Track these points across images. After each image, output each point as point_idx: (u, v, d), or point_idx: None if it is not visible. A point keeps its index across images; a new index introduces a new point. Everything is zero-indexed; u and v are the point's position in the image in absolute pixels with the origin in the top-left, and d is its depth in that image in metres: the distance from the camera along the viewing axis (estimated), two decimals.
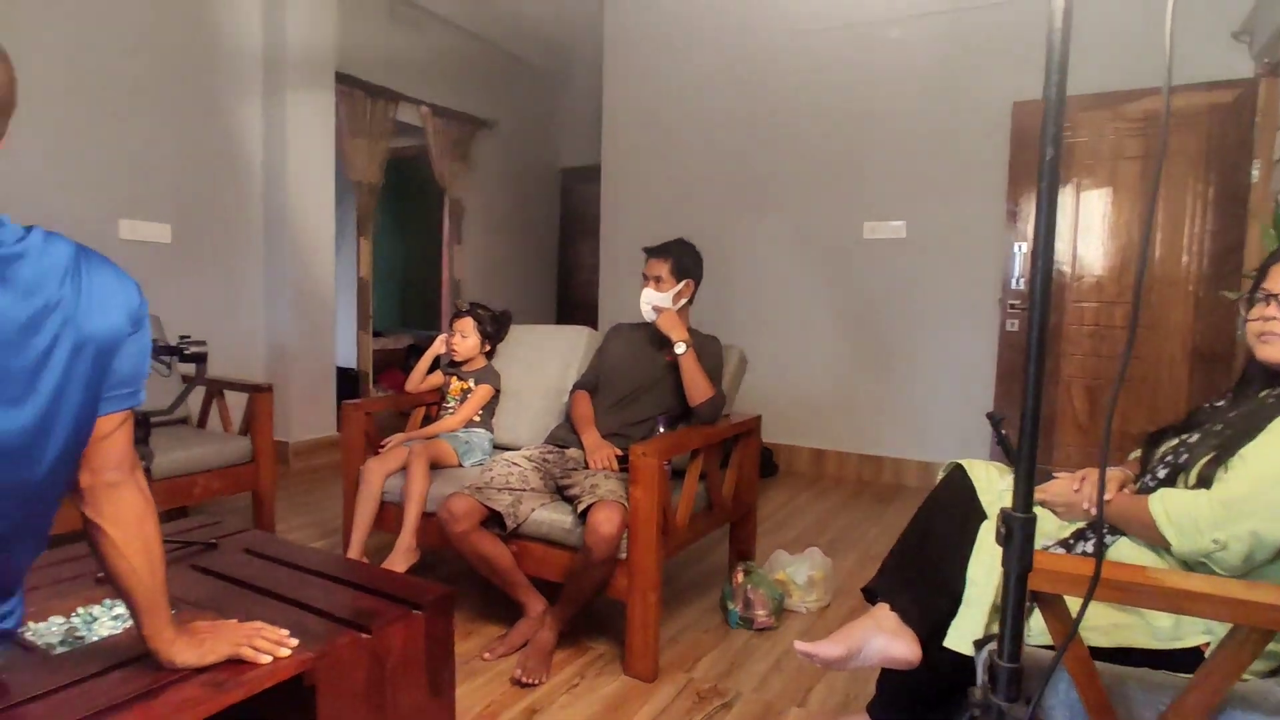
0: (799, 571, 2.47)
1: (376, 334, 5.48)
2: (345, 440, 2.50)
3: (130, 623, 1.30)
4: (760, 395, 3.87)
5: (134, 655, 1.12)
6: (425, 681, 1.39)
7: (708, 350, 2.35)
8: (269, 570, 1.54)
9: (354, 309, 5.13)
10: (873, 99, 4.05)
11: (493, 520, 2.07)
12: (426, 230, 7.53)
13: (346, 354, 5.45)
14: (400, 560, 2.19)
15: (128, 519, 1.03)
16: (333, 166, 4.27)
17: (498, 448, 2.69)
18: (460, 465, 2.48)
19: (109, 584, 1.08)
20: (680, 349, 2.24)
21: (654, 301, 2.32)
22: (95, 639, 1.24)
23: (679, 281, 2.34)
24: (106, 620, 1.31)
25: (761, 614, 2.33)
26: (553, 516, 2.07)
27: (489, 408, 2.67)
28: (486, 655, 2.05)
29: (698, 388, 2.23)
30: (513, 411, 2.71)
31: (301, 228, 4.08)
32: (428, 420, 2.75)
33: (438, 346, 2.72)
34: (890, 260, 4.06)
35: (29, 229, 0.90)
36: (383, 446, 2.52)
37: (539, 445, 2.37)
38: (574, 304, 6.64)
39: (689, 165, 4.60)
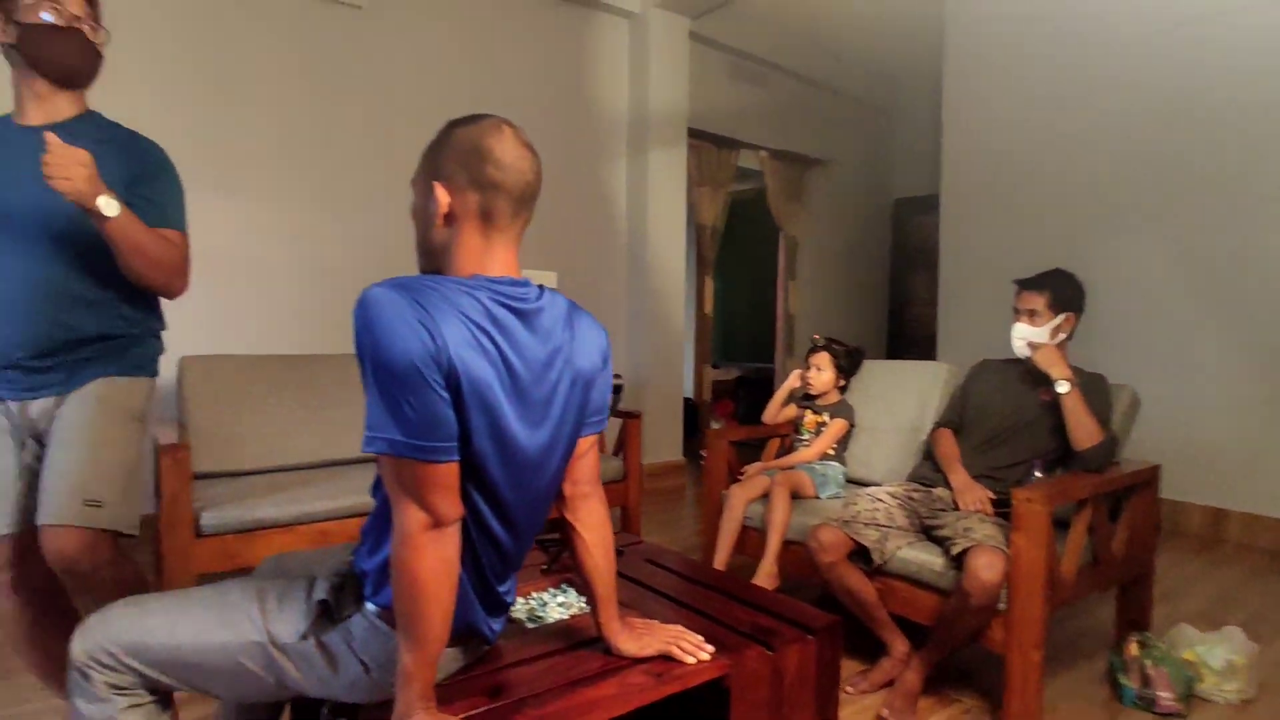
0: (1214, 654, 2.09)
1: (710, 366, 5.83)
2: (709, 465, 2.70)
3: (572, 610, 1.55)
4: (1138, 443, 3.36)
5: (586, 639, 1.34)
6: (814, 704, 1.45)
7: (1094, 389, 2.12)
8: (671, 579, 1.72)
9: (692, 343, 5.53)
10: (1241, 95, 3.36)
11: (858, 554, 2.08)
12: (756, 267, 7.87)
13: (685, 385, 5.88)
14: (762, 584, 2.30)
15: (596, 523, 1.25)
16: (684, 213, 4.68)
17: (851, 481, 2.70)
18: (817, 497, 2.54)
19: (574, 575, 1.32)
20: (1063, 387, 2.05)
21: (1029, 337, 2.17)
22: (550, 620, 1.51)
23: (1056, 315, 2.16)
24: (554, 606, 1.58)
25: (1166, 697, 2.01)
26: (921, 556, 2.02)
27: (843, 441, 2.69)
28: (849, 689, 2.05)
29: (1085, 430, 2.03)
30: (867, 446, 2.70)
31: (657, 270, 4.53)
32: (783, 451, 2.85)
33: (793, 381, 2.82)
34: None
35: (540, 288, 1.15)
36: (742, 473, 2.68)
37: (901, 482, 2.33)
38: (906, 337, 6.40)
39: (1035, 189, 4.20)
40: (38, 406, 1.51)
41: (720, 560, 2.49)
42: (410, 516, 0.96)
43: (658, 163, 4.51)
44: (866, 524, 2.09)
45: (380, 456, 0.97)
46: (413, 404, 0.94)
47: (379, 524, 1.10)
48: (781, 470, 2.56)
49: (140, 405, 1.60)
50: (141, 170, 1.55)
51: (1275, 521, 3.44)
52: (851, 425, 2.70)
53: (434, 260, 1.12)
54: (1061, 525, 2.02)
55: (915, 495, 2.22)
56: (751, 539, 2.52)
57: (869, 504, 2.16)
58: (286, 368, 2.74)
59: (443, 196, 1.07)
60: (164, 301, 1.68)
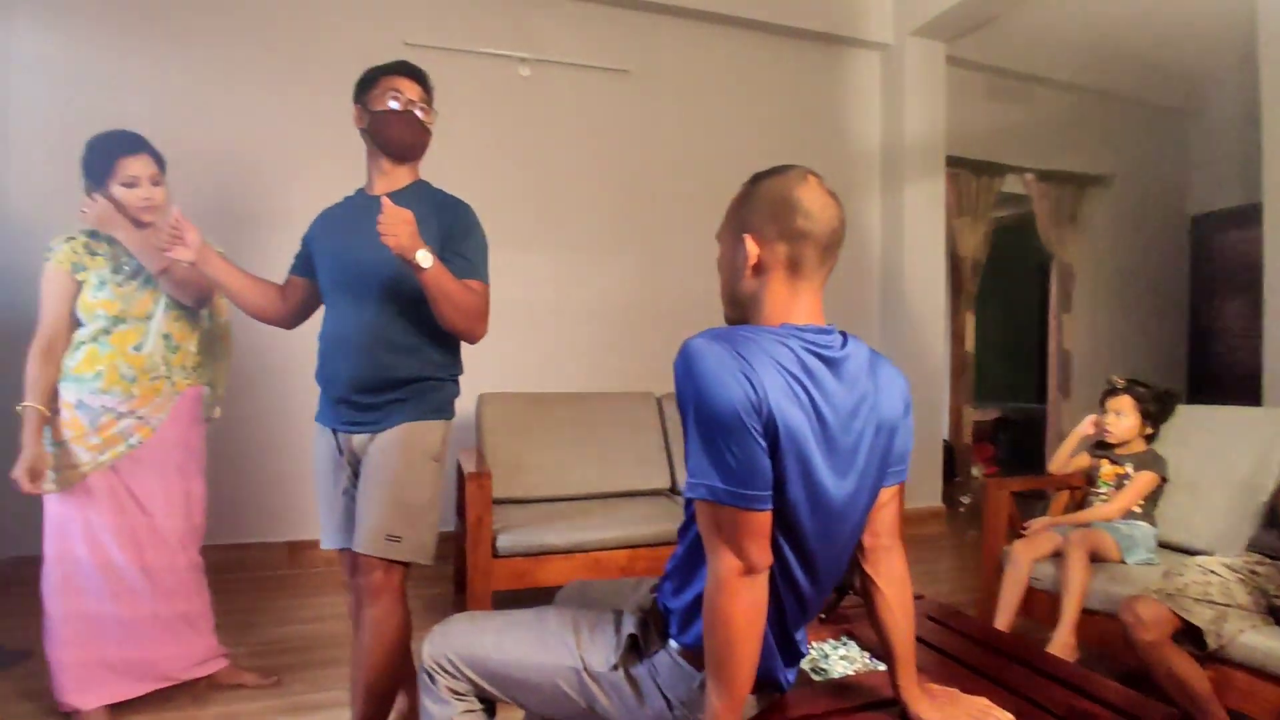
0: None
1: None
2: (988, 518, 2.49)
3: (856, 665, 1.49)
4: None
5: (878, 699, 1.27)
6: None
7: None
8: (959, 642, 1.60)
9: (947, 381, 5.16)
10: None
11: (1184, 635, 1.78)
12: (1018, 299, 7.20)
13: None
14: (1058, 655, 2.05)
15: (896, 578, 1.20)
16: (943, 246, 4.43)
17: (1164, 546, 2.34)
18: (1122, 561, 2.23)
19: (872, 631, 1.27)
20: None
21: None
22: (834, 674, 1.46)
23: None
24: (836, 659, 1.53)
25: None
26: (1271, 644, 1.68)
27: (1152, 498, 2.35)
28: None
29: None
30: (1186, 506, 2.33)
31: (914, 306, 4.31)
32: (1073, 506, 2.55)
33: (1085, 427, 2.52)
34: None
35: (843, 335, 1.14)
36: (1025, 528, 2.43)
37: (1240, 554, 1.98)
38: (1213, 376, 5.44)
39: None
40: (357, 440, 1.75)
41: (1003, 622, 2.27)
42: (726, 562, 0.99)
43: (914, 194, 4.32)
44: (1198, 599, 1.79)
45: (698, 502, 1.01)
46: (735, 452, 0.97)
47: (686, 565, 1.15)
48: (1077, 528, 2.29)
49: (437, 447, 1.79)
50: (454, 228, 1.74)
51: None
52: (1163, 479, 2.35)
53: (741, 310, 1.15)
54: None
55: (1261, 570, 1.86)
56: (1039, 602, 2.28)
57: (1199, 575, 1.85)
58: (567, 404, 2.99)
59: (752, 248, 1.10)
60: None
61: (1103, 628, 2.05)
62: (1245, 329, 5.10)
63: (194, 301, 2.07)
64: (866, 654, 1.54)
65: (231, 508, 3.20)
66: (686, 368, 1.01)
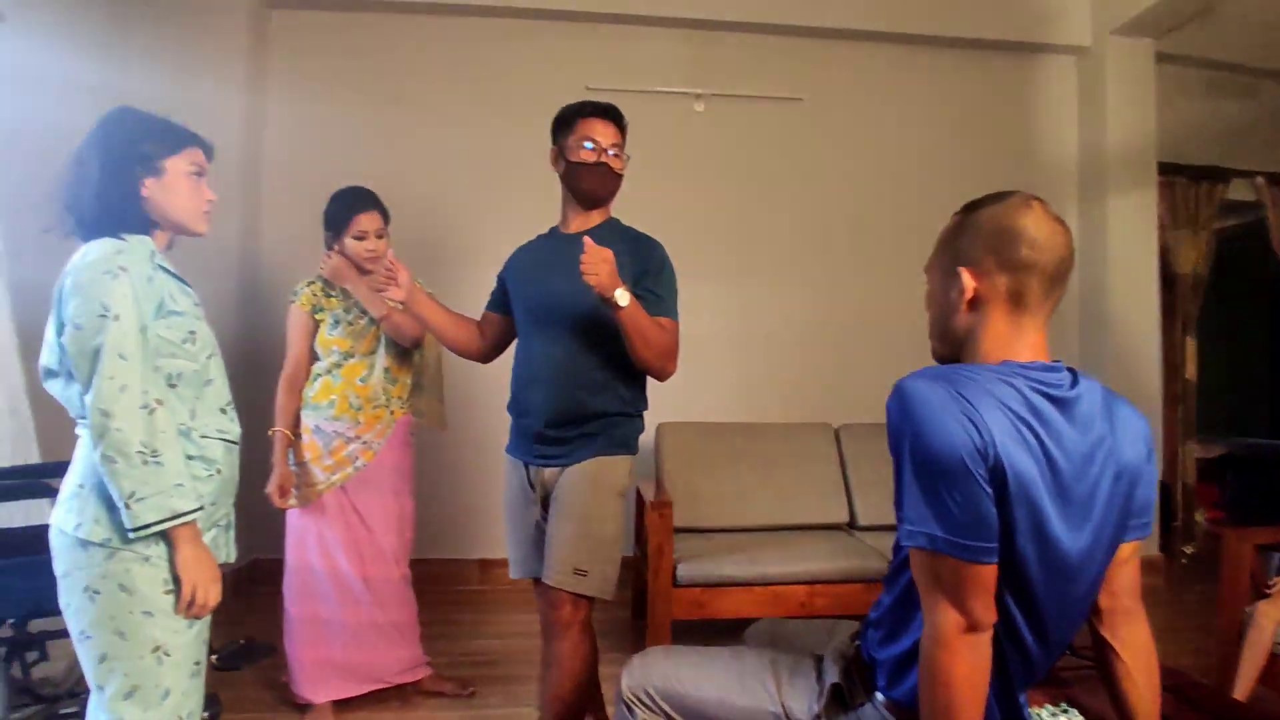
0: None
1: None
2: (1226, 573, 2.19)
3: None
4: None
5: None
6: None
7: None
8: (1197, 717, 1.41)
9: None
10: None
11: None
12: (1247, 320, 6.33)
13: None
14: None
15: (1139, 646, 1.08)
16: (1155, 262, 3.99)
17: None
18: None
19: (1107, 703, 1.15)
20: None
21: None
22: None
23: None
24: None
25: None
26: None
27: None
28: None
29: None
30: None
31: (1121, 330, 3.90)
32: None
33: None
34: None
35: (1073, 372, 1.04)
36: (1270, 587, 2.11)
37: None
38: None
39: None
40: (548, 473, 1.81)
41: (1241, 692, 2.00)
42: (946, 617, 0.93)
43: (1119, 206, 3.92)
44: None
45: (915, 551, 0.96)
46: (957, 499, 0.91)
47: (896, 614, 1.09)
48: None
49: (624, 481, 1.83)
50: (647, 266, 1.79)
51: None
52: None
53: (954, 347, 1.09)
54: None
55: None
56: None
57: None
58: (744, 435, 3.00)
59: (968, 281, 1.04)
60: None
61: None
62: None
63: (409, 343, 2.28)
64: None
65: (427, 525, 3.46)
66: (902, 409, 0.97)
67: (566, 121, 1.83)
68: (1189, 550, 4.33)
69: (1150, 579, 3.81)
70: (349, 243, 2.22)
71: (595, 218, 1.87)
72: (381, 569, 2.24)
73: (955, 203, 1.15)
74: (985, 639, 0.94)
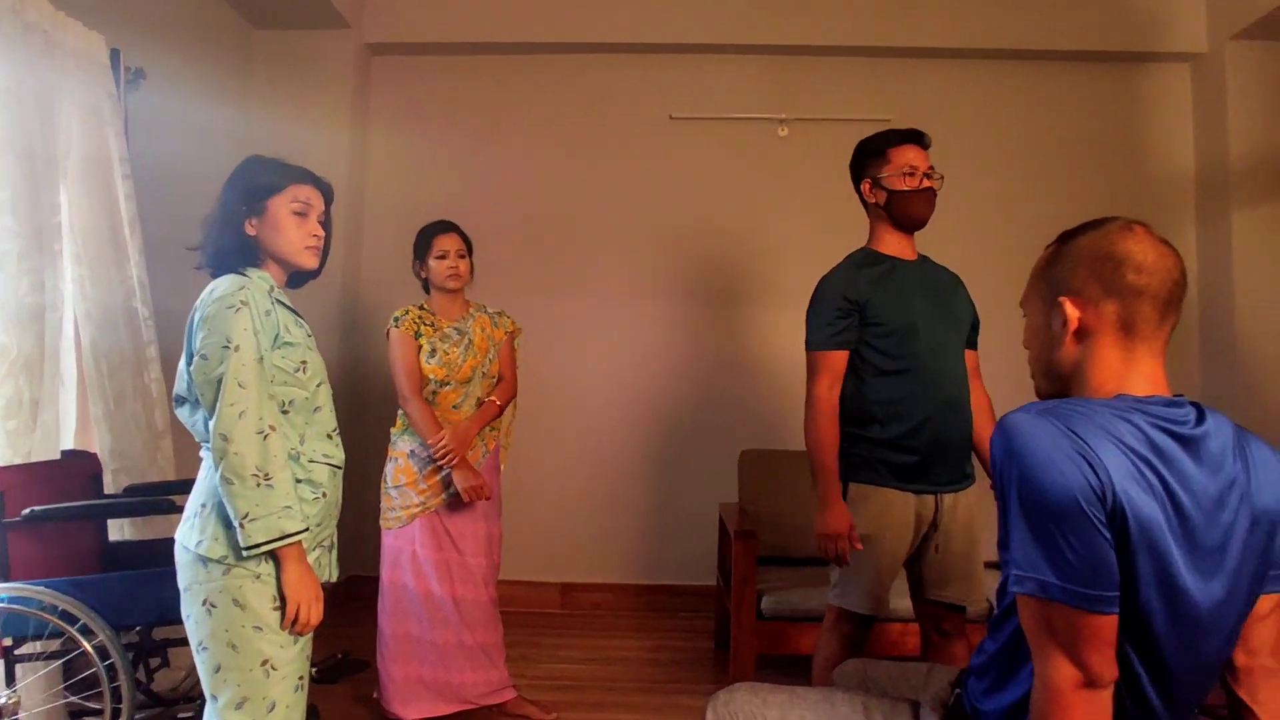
0: None
1: None
2: None
3: None
4: None
5: None
6: None
7: None
8: None
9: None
10: None
11: None
12: None
13: None
14: None
15: None
16: None
17: None
18: None
19: None
20: None
21: None
22: None
23: None
24: None
25: None
26: None
27: None
28: None
29: None
30: None
31: (1252, 358, 3.59)
32: None
33: None
34: None
35: (1198, 407, 0.96)
36: None
37: None
38: None
39: None
40: (951, 499, 1.89)
41: None
42: (1059, 671, 0.87)
43: (1246, 222, 3.63)
44: None
45: (1025, 598, 0.90)
46: (1073, 544, 0.85)
47: (1002, 663, 1.03)
48: None
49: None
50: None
51: None
52: None
53: (1060, 383, 1.03)
54: None
55: None
56: None
57: None
58: None
59: (1072, 311, 0.99)
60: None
61: None
62: None
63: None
64: None
65: (511, 549, 3.52)
66: (1008, 446, 0.91)
67: (878, 152, 1.90)
68: None
69: None
70: (432, 264, 2.34)
71: (911, 243, 1.96)
72: (471, 590, 2.28)
73: (1060, 226, 1.09)
74: (1105, 696, 0.87)
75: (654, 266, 3.73)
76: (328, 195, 1.53)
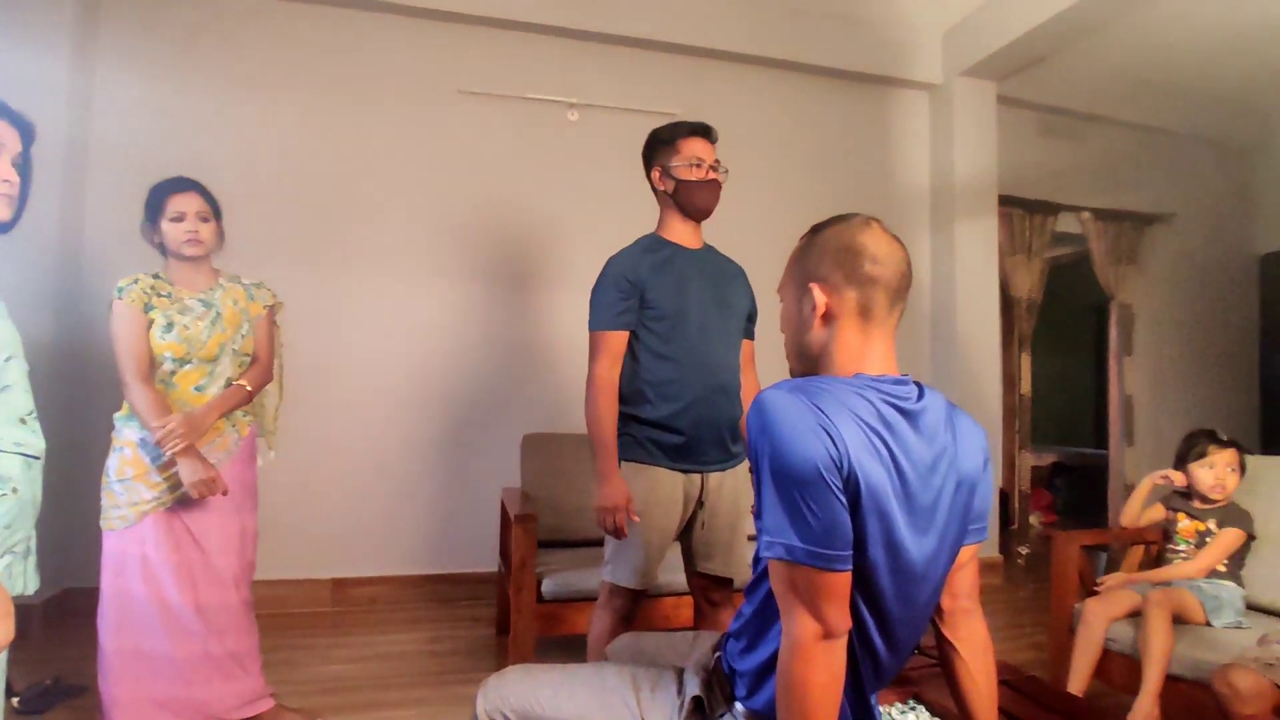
0: None
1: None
2: (1057, 573, 2.37)
3: None
4: None
5: None
6: None
7: None
8: (1037, 712, 1.50)
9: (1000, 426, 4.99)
10: None
11: None
12: (1073, 341, 7.00)
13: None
14: None
15: (978, 643, 1.13)
16: (996, 286, 4.33)
17: (1252, 608, 2.19)
18: (1208, 624, 2.09)
19: (948, 699, 1.19)
20: None
21: None
22: None
23: None
24: None
25: None
26: None
27: (1237, 556, 2.21)
28: None
29: None
30: (1275, 565, 2.18)
31: (967, 348, 4.20)
32: (1149, 562, 2.42)
33: (1157, 477, 2.40)
34: None
35: (919, 385, 1.08)
36: (1099, 585, 2.31)
37: None
38: None
39: None
40: (716, 478, 2.01)
41: (1076, 686, 2.14)
42: (803, 626, 0.93)
43: (965, 234, 4.24)
44: None
45: (773, 561, 0.96)
46: (814, 509, 0.92)
47: (755, 625, 1.09)
48: (1156, 586, 2.16)
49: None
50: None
51: None
52: (1250, 536, 2.21)
53: (810, 363, 1.12)
54: None
55: None
56: (1114, 665, 2.15)
57: None
58: None
59: (820, 296, 1.07)
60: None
61: (1190, 697, 1.92)
62: None
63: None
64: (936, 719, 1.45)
65: (275, 544, 3.23)
66: (762, 421, 0.97)
67: (667, 142, 1.96)
68: (1025, 551, 4.70)
69: (990, 579, 4.11)
70: (165, 227, 2.00)
71: (697, 232, 2.03)
72: (218, 594, 2.02)
73: (815, 221, 1.19)
74: (840, 645, 0.95)
75: (438, 244, 3.58)
76: (25, 132, 1.27)
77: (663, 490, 1.88)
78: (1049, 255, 4.82)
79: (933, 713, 1.48)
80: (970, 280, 4.24)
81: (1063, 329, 6.79)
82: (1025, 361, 4.75)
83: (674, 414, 1.88)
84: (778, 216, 3.98)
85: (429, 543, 3.51)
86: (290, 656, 2.73)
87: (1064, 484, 6.31)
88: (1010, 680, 1.63)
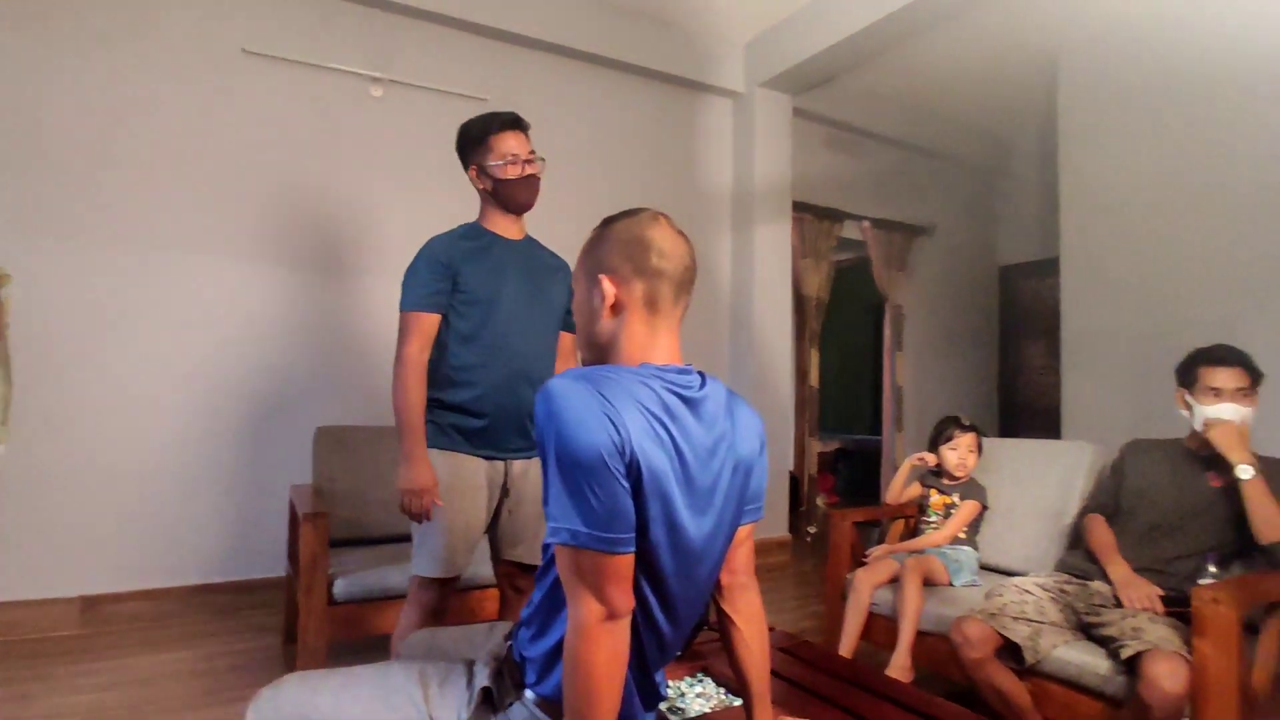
0: None
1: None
2: (832, 548, 2.60)
3: (713, 702, 1.49)
4: None
5: None
6: None
7: (1277, 475, 1.94)
8: (807, 671, 1.64)
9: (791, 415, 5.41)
10: None
11: (1006, 651, 1.93)
12: (856, 338, 7.72)
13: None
14: (896, 677, 2.16)
15: (753, 615, 1.21)
16: (789, 285, 4.67)
17: (985, 568, 2.54)
18: (950, 584, 2.40)
19: (729, 668, 1.27)
20: (1245, 473, 1.88)
21: (1246, 419, 1.97)
22: (691, 712, 1.45)
23: (1255, 392, 2.00)
24: (693, 696, 1.52)
25: None
26: (1082, 657, 1.86)
27: (975, 524, 2.55)
28: None
29: (1270, 522, 1.84)
30: (1002, 531, 2.54)
31: (763, 343, 4.50)
32: (908, 533, 2.72)
33: (915, 459, 2.71)
34: None
35: (701, 375, 1.14)
36: (866, 557, 2.56)
37: (1050, 573, 2.17)
38: (1019, 408, 6.08)
39: (1182, 250, 3.96)
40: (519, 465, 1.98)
41: (846, 648, 2.37)
42: (587, 608, 0.95)
43: (762, 236, 4.53)
44: (1015, 618, 1.94)
45: (559, 547, 0.97)
46: (598, 494, 0.94)
47: (543, 611, 1.09)
48: (911, 555, 2.44)
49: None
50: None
51: None
52: (984, 507, 2.56)
53: (599, 352, 1.14)
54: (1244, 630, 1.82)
55: (1069, 588, 2.06)
56: (878, 626, 2.39)
57: (1016, 596, 2.01)
58: None
59: (609, 287, 1.10)
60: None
61: (935, 648, 2.19)
62: (1044, 368, 5.75)
63: None
64: (722, 690, 1.54)
65: (5, 558, 2.79)
66: (548, 408, 0.97)
67: (479, 140, 1.92)
68: (812, 530, 5.12)
69: (780, 556, 4.44)
70: None
71: (518, 223, 2.01)
72: None
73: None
74: (623, 625, 0.98)
75: (220, 217, 3.23)
76: None
77: (465, 476, 1.86)
78: (835, 259, 5.28)
79: (718, 683, 1.57)
80: (766, 279, 4.54)
81: (846, 326, 7.47)
82: (814, 356, 5.17)
83: (475, 399, 1.86)
84: (586, 210, 3.96)
85: (209, 549, 3.18)
86: (26, 690, 2.36)
87: (846, 468, 6.94)
88: (787, 647, 1.77)
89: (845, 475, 6.89)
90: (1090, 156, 4.42)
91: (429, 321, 1.86)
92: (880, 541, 2.72)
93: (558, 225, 3.89)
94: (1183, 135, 3.96)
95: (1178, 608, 1.82)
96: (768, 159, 4.58)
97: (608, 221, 1.16)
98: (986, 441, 2.70)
